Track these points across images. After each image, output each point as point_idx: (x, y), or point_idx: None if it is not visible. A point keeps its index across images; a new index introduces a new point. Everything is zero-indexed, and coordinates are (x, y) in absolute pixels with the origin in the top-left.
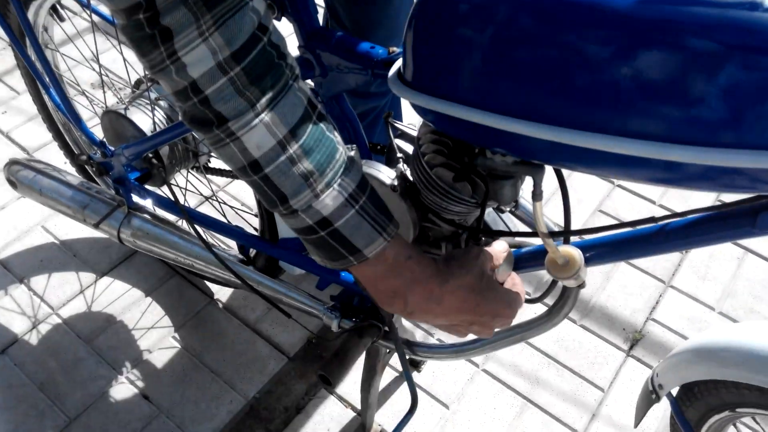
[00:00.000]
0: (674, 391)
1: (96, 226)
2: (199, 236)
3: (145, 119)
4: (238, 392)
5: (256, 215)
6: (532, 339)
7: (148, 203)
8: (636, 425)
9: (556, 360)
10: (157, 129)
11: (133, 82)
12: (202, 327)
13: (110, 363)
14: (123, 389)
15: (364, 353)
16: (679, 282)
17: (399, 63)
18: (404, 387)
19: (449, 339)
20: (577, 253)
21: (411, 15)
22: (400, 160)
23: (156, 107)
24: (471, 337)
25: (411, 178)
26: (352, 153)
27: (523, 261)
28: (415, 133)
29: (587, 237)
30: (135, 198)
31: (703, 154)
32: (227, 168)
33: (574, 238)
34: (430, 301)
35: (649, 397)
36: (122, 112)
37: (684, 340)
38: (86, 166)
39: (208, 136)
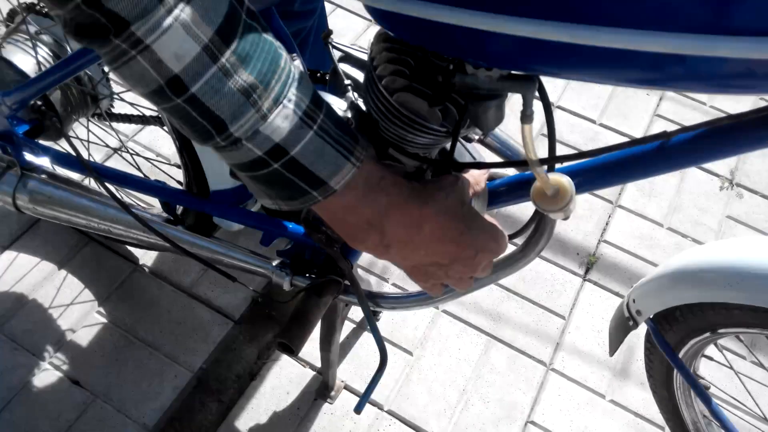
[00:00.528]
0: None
1: None
2: (113, 196)
3: (27, 59)
4: (181, 365)
5: (178, 166)
6: None
7: (45, 162)
8: (612, 353)
9: (515, 293)
10: (43, 69)
11: (5, 15)
12: (129, 298)
13: (28, 349)
14: (48, 376)
15: None
16: (626, 201)
17: None
18: (364, 339)
19: (413, 287)
20: (568, 182)
21: None
22: (349, 87)
23: (38, 43)
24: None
25: (365, 109)
26: (297, 61)
27: (500, 195)
28: (363, 55)
29: (573, 162)
30: (28, 156)
31: (704, 43)
32: (135, 113)
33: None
34: (410, 228)
35: (626, 324)
36: None
37: (637, 259)
38: None
39: (106, 51)
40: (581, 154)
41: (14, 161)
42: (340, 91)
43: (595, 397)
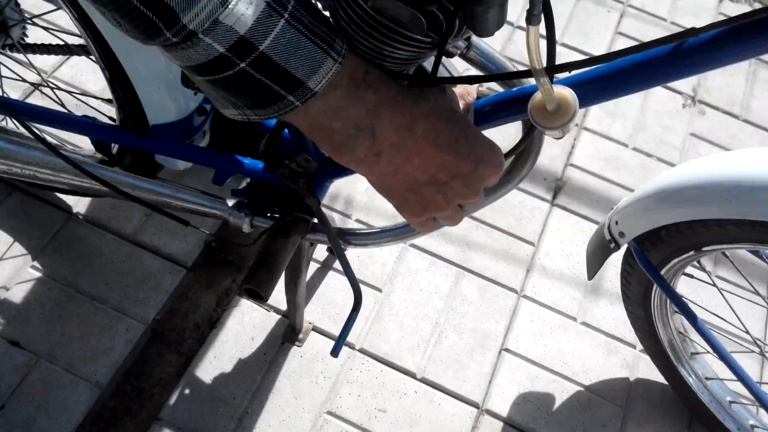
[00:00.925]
0: None
1: None
2: (36, 136)
3: None
4: (132, 318)
5: (109, 100)
6: None
7: None
8: (591, 277)
9: (483, 222)
10: None
11: None
12: (66, 249)
13: None
14: None
15: None
16: (591, 123)
17: None
18: (329, 278)
19: (378, 223)
20: (571, 96)
21: None
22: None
23: None
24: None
25: (332, 20)
26: None
27: (486, 115)
28: None
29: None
30: None
31: None
32: (51, 42)
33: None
34: (403, 130)
35: (606, 246)
36: None
37: (604, 181)
38: None
39: None
40: (591, 60)
41: None
42: None
43: (567, 320)
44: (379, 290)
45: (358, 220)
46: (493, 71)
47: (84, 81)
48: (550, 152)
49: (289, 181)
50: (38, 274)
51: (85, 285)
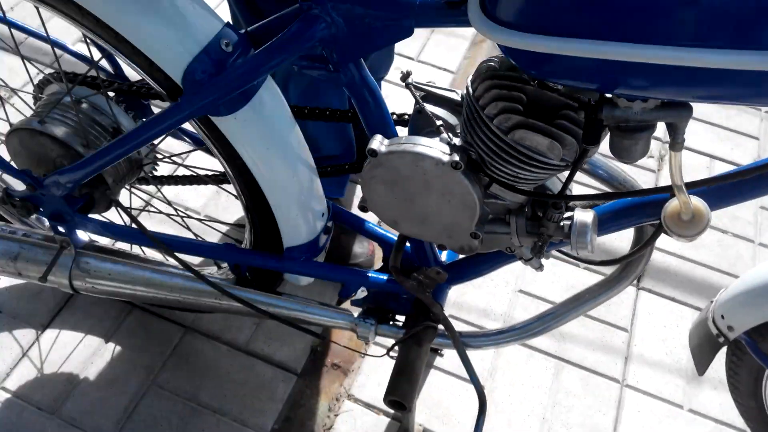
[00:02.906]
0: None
1: (43, 279)
2: (187, 266)
3: (69, 131)
4: (252, 428)
5: (236, 225)
6: (537, 291)
7: (99, 237)
8: (702, 372)
9: None
10: (90, 140)
11: (36, 83)
12: (185, 363)
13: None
14: None
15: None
16: None
17: (476, 8)
18: (432, 377)
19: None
20: (705, 208)
21: None
22: (441, 128)
23: (80, 113)
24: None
25: (469, 149)
26: None
27: (613, 219)
28: (452, 95)
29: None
30: (81, 234)
31: None
32: (178, 174)
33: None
34: None
35: (714, 340)
36: (40, 127)
37: (685, 261)
38: (5, 206)
39: None
40: (728, 176)
41: (67, 241)
42: (424, 132)
43: (674, 408)
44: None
45: (451, 315)
46: (613, 182)
47: (184, 199)
48: (628, 235)
49: (418, 291)
50: (162, 390)
51: (206, 397)
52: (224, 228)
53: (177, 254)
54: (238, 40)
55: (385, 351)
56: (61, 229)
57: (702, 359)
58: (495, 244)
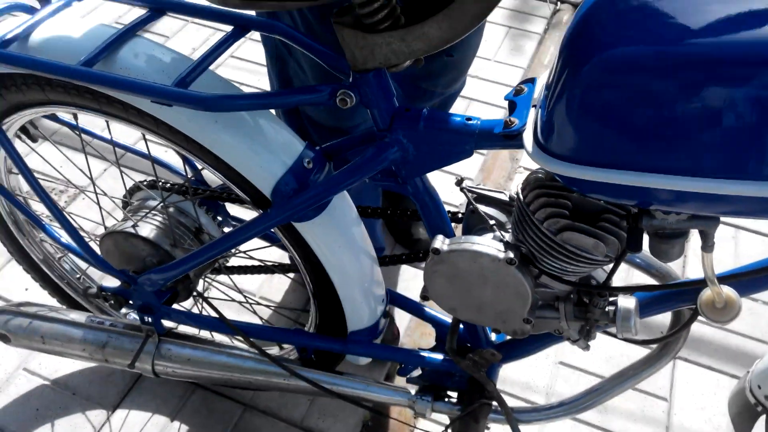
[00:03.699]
0: None
1: (131, 365)
2: (263, 352)
3: (158, 232)
4: None
5: (299, 310)
6: (577, 363)
7: (181, 326)
8: None
9: None
10: (176, 240)
11: (127, 190)
12: None
13: None
14: None
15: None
16: (692, 272)
17: (529, 134)
18: None
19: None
20: (736, 296)
21: (564, 87)
22: (495, 227)
23: (168, 217)
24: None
25: (520, 246)
26: None
27: (654, 304)
28: (501, 195)
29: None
30: (165, 323)
31: None
32: (249, 264)
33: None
34: None
35: (753, 410)
36: (133, 231)
37: (718, 330)
38: (97, 300)
39: None
40: (757, 271)
41: (153, 330)
42: (476, 230)
43: None
44: None
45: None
46: (655, 273)
47: (239, 282)
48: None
49: (473, 370)
50: None
51: None
52: (280, 309)
53: (252, 340)
54: (317, 157)
55: (443, 428)
56: (147, 318)
57: (742, 428)
58: (545, 327)
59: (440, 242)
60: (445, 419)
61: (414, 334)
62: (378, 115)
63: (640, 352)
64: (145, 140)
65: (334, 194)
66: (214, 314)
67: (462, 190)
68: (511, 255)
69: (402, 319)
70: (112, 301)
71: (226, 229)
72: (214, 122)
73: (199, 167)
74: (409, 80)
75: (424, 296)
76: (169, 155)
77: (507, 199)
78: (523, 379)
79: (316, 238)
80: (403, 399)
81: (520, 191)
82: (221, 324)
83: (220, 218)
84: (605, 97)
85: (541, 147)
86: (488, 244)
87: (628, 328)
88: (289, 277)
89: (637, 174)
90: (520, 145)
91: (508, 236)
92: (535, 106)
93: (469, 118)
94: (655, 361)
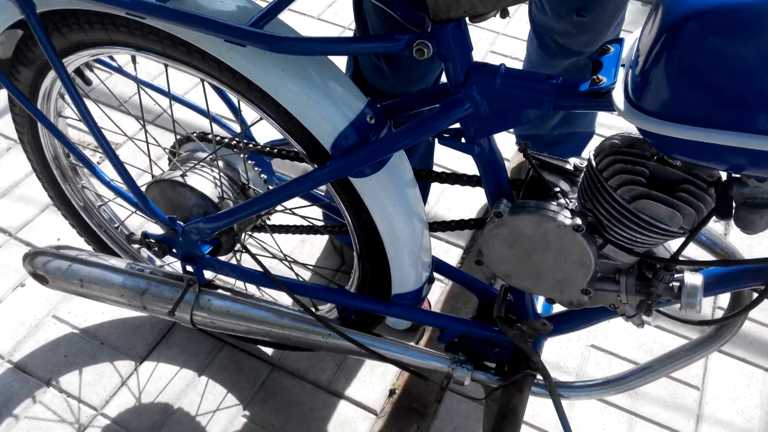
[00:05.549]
0: None
1: (171, 314)
2: (307, 309)
3: (205, 184)
4: None
5: (343, 270)
6: (609, 347)
7: (223, 278)
8: None
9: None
10: (224, 192)
11: (176, 140)
12: (272, 399)
13: None
14: None
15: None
16: None
17: (620, 92)
18: None
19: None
20: None
21: (665, 42)
22: (559, 194)
23: (217, 170)
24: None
25: (587, 214)
26: None
27: (719, 283)
28: (565, 164)
29: None
30: (207, 274)
31: None
32: (290, 224)
33: None
34: None
35: None
36: (181, 180)
37: (752, 323)
38: (141, 246)
39: None
40: None
41: (194, 279)
42: (535, 197)
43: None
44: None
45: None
46: (719, 251)
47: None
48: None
49: (520, 340)
50: (250, 423)
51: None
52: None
53: (295, 296)
54: (378, 114)
55: (484, 395)
56: (189, 268)
57: None
58: (600, 301)
59: (504, 206)
60: (477, 392)
61: (445, 308)
62: (453, 69)
63: (674, 341)
64: (204, 89)
65: (396, 151)
66: (257, 267)
67: (526, 156)
68: (579, 222)
69: (432, 292)
70: (156, 249)
71: (271, 187)
72: (281, 69)
73: (258, 117)
74: (546, 34)
75: (479, 261)
76: (220, 108)
77: (571, 168)
78: (554, 359)
79: (372, 196)
80: (443, 365)
81: (592, 157)
82: (264, 278)
83: (265, 176)
84: (709, 53)
85: (633, 105)
86: (555, 210)
87: (693, 305)
88: (331, 238)
89: (741, 135)
90: (608, 106)
91: (572, 204)
92: (624, 65)
93: (549, 76)
94: (709, 343)
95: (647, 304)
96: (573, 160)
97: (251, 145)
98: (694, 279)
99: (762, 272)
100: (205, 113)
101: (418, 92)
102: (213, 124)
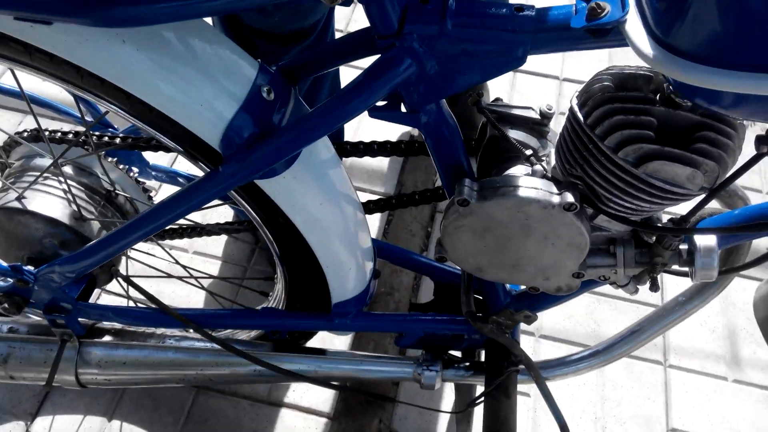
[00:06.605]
0: None
1: (48, 384)
2: (225, 345)
3: (54, 202)
4: None
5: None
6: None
7: (105, 322)
8: None
9: (604, 294)
10: (83, 209)
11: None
12: (205, 427)
13: None
14: None
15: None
16: None
17: (637, 26)
18: None
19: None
20: None
21: None
22: (533, 159)
23: (68, 182)
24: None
25: (576, 183)
26: None
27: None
28: (529, 112)
29: None
30: (84, 321)
31: None
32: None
33: None
34: None
35: None
36: (18, 204)
37: None
38: None
39: None
40: None
41: (69, 333)
42: (502, 161)
43: (719, 381)
44: (528, 395)
45: None
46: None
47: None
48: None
49: (497, 335)
50: None
51: None
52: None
53: (210, 333)
54: (279, 81)
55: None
56: (60, 321)
57: None
58: (591, 276)
59: (468, 189)
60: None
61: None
62: (379, 10)
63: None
64: (15, 77)
65: (314, 141)
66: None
67: (481, 110)
68: (570, 199)
69: None
70: (7, 306)
71: (148, 182)
72: (121, 42)
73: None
74: None
75: (441, 257)
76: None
77: (538, 116)
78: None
79: (288, 198)
80: (406, 372)
81: (576, 107)
82: (160, 315)
83: (136, 170)
84: None
85: (665, 46)
86: (536, 186)
87: (710, 270)
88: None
89: None
90: (613, 43)
91: (550, 169)
92: None
93: (520, 8)
94: (701, 297)
95: (652, 276)
96: (539, 107)
97: (106, 138)
98: (707, 241)
99: None
100: (30, 100)
101: (329, 43)
102: (39, 113)
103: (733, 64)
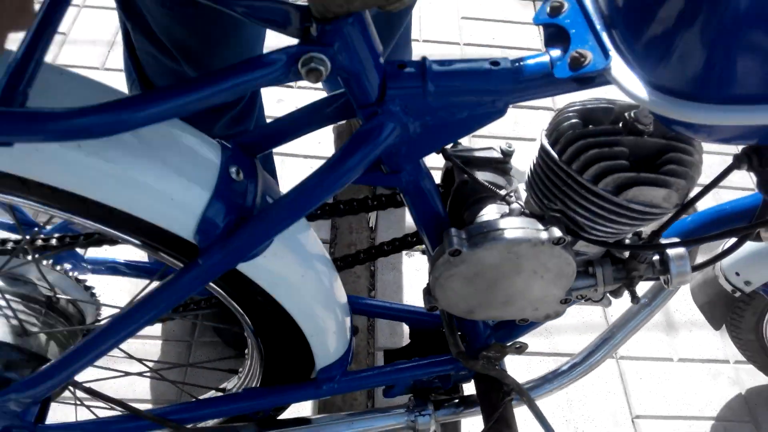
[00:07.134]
0: None
1: None
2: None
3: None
4: None
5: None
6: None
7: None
8: (719, 327)
9: None
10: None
11: None
12: None
13: None
14: None
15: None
16: None
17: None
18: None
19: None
20: None
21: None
22: (511, 196)
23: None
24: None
25: (558, 218)
26: None
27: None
28: (491, 153)
29: None
30: None
31: None
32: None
33: None
34: None
35: (729, 296)
36: None
37: None
38: None
39: None
40: None
41: None
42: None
43: (667, 363)
44: None
45: None
46: None
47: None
48: None
49: (489, 370)
50: None
51: None
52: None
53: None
54: (240, 159)
55: None
56: None
57: (717, 314)
58: (573, 298)
59: (457, 239)
60: None
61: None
62: (358, 83)
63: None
64: None
65: (296, 220)
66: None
67: (448, 158)
68: (558, 233)
69: None
70: None
71: (89, 279)
72: (77, 147)
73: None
74: None
75: (433, 307)
76: None
77: (500, 155)
78: None
79: (270, 276)
80: (400, 422)
81: (548, 146)
82: (135, 420)
83: (75, 271)
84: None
85: (660, 89)
86: (522, 226)
87: (684, 276)
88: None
89: None
90: (601, 86)
91: (524, 203)
92: (597, 24)
93: (495, 62)
94: (665, 294)
95: (631, 290)
96: (499, 146)
97: (47, 242)
98: (677, 249)
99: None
100: None
101: (286, 116)
102: None
103: (726, 99)
